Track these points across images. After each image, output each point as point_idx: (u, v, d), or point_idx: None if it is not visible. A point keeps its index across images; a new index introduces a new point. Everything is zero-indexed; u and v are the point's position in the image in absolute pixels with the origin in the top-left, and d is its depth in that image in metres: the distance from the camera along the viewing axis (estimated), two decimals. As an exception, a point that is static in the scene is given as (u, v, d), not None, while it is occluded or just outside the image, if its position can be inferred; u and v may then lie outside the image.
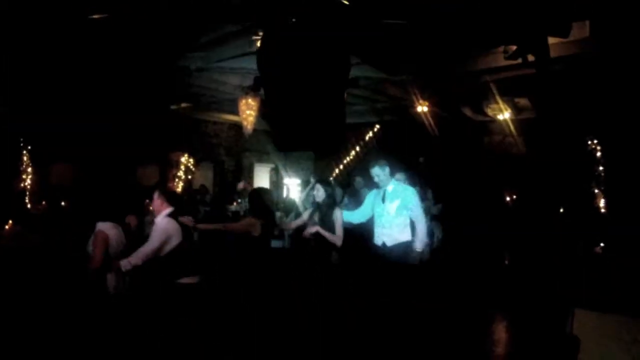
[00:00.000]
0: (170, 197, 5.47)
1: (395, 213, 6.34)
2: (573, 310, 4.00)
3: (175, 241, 5.15)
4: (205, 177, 15.38)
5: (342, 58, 3.94)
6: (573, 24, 5.27)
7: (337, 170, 16.13)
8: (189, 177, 14.43)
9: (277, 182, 17.33)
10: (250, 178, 16.46)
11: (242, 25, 7.35)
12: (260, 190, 7.11)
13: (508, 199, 12.09)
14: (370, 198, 6.77)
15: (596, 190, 8.73)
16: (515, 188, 12.05)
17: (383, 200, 6.48)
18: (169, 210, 5.30)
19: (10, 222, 8.11)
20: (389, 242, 6.32)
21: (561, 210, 10.44)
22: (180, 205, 6.14)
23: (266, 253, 6.16)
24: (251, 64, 8.94)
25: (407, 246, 6.28)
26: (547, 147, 10.67)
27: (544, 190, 10.91)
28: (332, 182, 9.22)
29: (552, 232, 9.84)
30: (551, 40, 5.27)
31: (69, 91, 10.05)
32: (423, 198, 8.62)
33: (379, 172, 6.50)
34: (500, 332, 7.52)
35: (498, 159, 12.36)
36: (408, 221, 6.36)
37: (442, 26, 7.39)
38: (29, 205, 10.50)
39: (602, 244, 7.96)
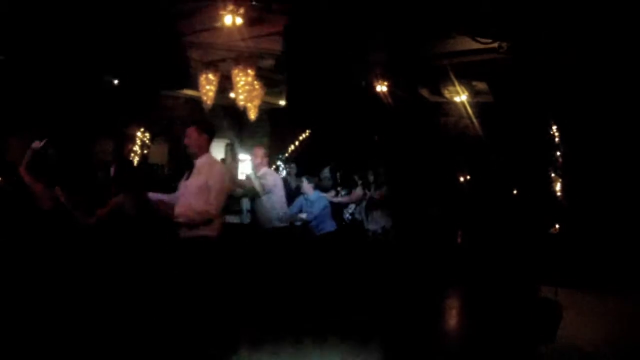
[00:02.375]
0: None
1: None
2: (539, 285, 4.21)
3: None
4: (161, 152, 15.19)
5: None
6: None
7: (292, 147, 16.14)
8: (145, 152, 14.22)
9: (233, 158, 17.24)
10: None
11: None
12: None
13: (462, 179, 12.35)
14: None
15: (553, 175, 9.03)
16: (469, 169, 12.31)
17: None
18: None
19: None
20: None
21: (514, 192, 10.76)
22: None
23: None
24: (213, 38, 8.93)
25: None
26: (503, 131, 10.93)
27: (498, 172, 11.20)
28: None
29: (504, 213, 10.16)
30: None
31: (25, 64, 9.77)
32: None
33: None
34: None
35: (453, 140, 12.61)
36: None
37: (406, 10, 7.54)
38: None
39: (557, 226, 8.30)
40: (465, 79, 10.83)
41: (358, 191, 8.57)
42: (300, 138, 15.85)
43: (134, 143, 14.04)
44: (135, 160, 13.88)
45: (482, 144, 11.80)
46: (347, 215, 9.23)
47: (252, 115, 11.23)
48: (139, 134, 14.06)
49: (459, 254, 10.56)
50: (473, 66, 9.60)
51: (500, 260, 8.95)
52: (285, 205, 7.25)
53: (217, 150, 17.08)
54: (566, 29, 7.15)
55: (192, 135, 5.00)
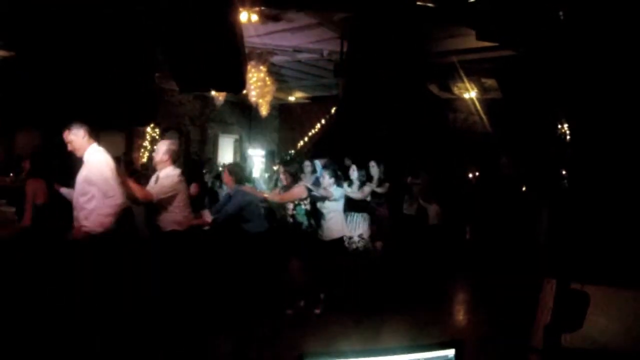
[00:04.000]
0: None
1: None
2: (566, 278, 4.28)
3: None
4: (171, 148, 15.25)
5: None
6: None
7: (301, 142, 16.25)
8: (155, 147, 14.28)
9: (241, 153, 17.39)
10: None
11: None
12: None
13: (471, 175, 12.44)
14: None
15: (563, 172, 9.09)
16: (478, 165, 12.39)
17: None
18: None
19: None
20: None
21: (523, 188, 10.85)
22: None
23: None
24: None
25: None
26: (512, 127, 11.00)
27: (507, 168, 11.28)
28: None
29: (513, 209, 10.24)
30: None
31: (37, 61, 9.87)
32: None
33: None
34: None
35: (462, 136, 12.69)
36: None
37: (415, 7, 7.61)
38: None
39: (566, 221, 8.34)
40: (474, 76, 10.90)
41: (367, 188, 8.24)
42: (311, 133, 15.88)
43: (144, 138, 14.17)
44: (145, 155, 13.99)
45: (491, 141, 11.89)
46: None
47: (264, 111, 11.32)
48: (148, 129, 14.16)
49: (467, 249, 10.69)
50: (482, 63, 9.68)
51: (508, 255, 9.04)
52: (187, 208, 6.24)
53: (226, 147, 17.34)
54: (577, 25, 7.20)
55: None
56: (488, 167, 12.06)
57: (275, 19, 8.11)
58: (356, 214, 7.78)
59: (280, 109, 17.48)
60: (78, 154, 5.44)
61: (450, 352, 2.15)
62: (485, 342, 5.70)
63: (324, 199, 7.02)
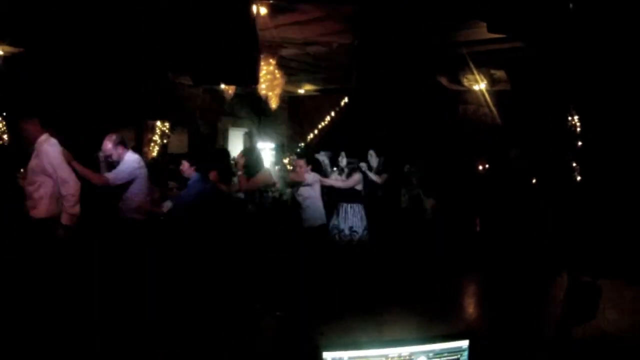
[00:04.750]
0: None
1: None
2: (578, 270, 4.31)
3: None
4: (181, 141, 15.33)
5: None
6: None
7: (311, 135, 16.26)
8: (165, 141, 14.36)
9: (251, 146, 17.38)
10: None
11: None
12: None
13: (480, 167, 12.42)
14: None
15: (574, 164, 9.07)
16: (488, 157, 12.36)
17: None
18: None
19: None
20: None
21: (534, 181, 10.82)
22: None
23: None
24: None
25: None
26: (523, 119, 10.97)
27: (517, 160, 11.24)
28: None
29: (524, 201, 10.21)
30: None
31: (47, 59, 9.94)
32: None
33: None
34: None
35: (472, 128, 12.67)
36: None
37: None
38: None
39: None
40: (484, 67, 10.88)
41: (356, 176, 7.73)
42: (321, 126, 15.84)
43: (154, 133, 14.19)
44: (155, 150, 14.02)
45: (501, 132, 11.86)
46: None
47: (274, 104, 11.32)
48: (158, 123, 14.18)
49: (477, 241, 10.68)
50: (492, 54, 9.66)
51: (519, 248, 9.03)
52: (147, 195, 6.29)
53: (236, 140, 17.36)
54: (587, 16, 7.17)
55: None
56: (498, 159, 12.03)
57: (284, 11, 8.11)
58: (346, 205, 7.45)
59: (290, 101, 17.46)
60: (30, 142, 5.63)
61: (465, 343, 2.18)
62: (497, 334, 5.71)
63: (296, 185, 6.89)
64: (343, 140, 11.33)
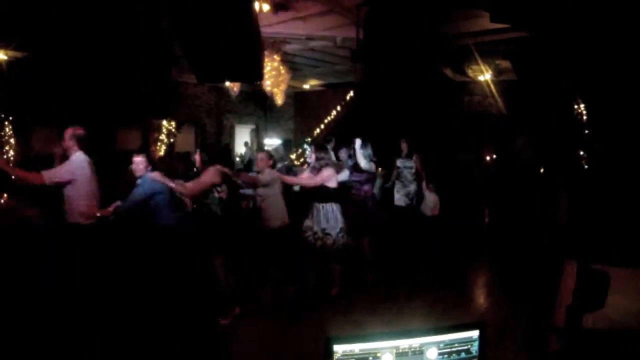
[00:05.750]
0: None
1: None
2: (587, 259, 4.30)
3: None
4: (187, 140, 15.39)
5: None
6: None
7: (317, 130, 16.25)
8: (171, 140, 14.39)
9: (257, 143, 17.44)
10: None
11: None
12: None
13: (488, 158, 12.39)
14: None
15: (581, 153, 9.04)
16: (495, 147, 12.33)
17: None
18: None
19: (5, 196, 7.81)
20: None
21: (541, 170, 10.80)
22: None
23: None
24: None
25: None
26: (528, 109, 10.95)
27: (524, 150, 11.23)
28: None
29: (532, 190, 10.20)
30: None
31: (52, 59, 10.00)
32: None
33: None
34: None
35: (478, 118, 12.65)
36: None
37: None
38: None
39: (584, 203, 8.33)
40: (489, 58, 10.86)
41: (326, 172, 6.72)
42: (327, 120, 15.80)
43: (160, 132, 14.23)
44: (162, 149, 14.06)
45: (507, 122, 11.84)
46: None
47: (279, 100, 11.35)
48: (164, 122, 14.21)
49: (486, 231, 10.65)
50: (496, 45, 9.64)
51: (528, 237, 9.03)
52: (93, 198, 5.79)
53: (243, 137, 17.43)
54: (590, 4, 7.13)
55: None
56: (505, 149, 12.01)
57: (287, 7, 8.13)
58: (318, 204, 6.75)
59: (295, 97, 17.49)
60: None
61: (475, 333, 2.19)
62: (507, 323, 5.72)
63: (250, 184, 6.67)
64: (350, 134, 11.35)
